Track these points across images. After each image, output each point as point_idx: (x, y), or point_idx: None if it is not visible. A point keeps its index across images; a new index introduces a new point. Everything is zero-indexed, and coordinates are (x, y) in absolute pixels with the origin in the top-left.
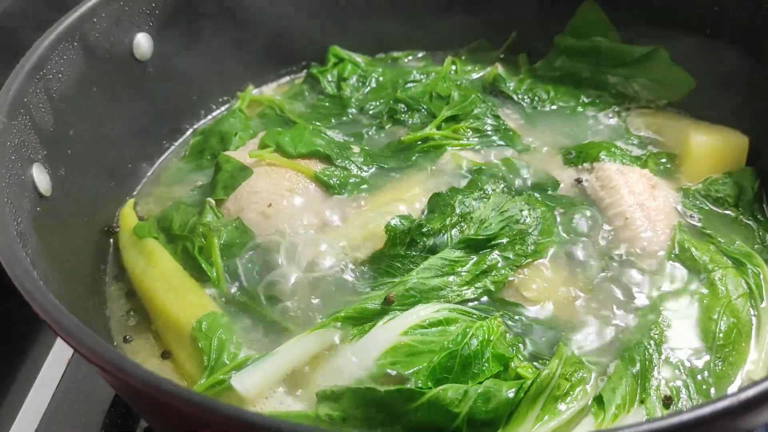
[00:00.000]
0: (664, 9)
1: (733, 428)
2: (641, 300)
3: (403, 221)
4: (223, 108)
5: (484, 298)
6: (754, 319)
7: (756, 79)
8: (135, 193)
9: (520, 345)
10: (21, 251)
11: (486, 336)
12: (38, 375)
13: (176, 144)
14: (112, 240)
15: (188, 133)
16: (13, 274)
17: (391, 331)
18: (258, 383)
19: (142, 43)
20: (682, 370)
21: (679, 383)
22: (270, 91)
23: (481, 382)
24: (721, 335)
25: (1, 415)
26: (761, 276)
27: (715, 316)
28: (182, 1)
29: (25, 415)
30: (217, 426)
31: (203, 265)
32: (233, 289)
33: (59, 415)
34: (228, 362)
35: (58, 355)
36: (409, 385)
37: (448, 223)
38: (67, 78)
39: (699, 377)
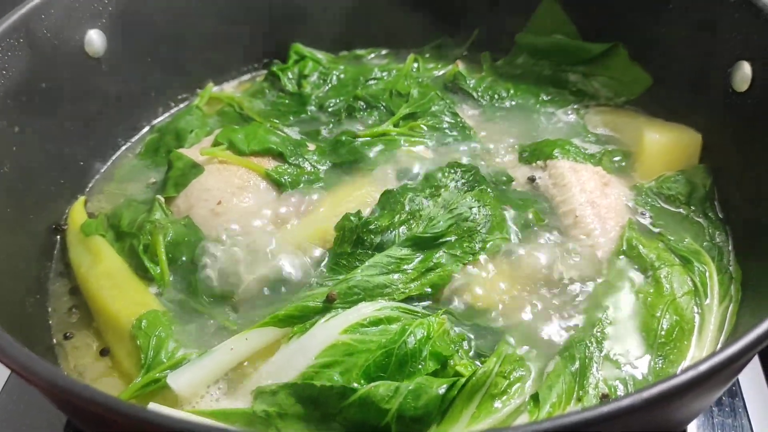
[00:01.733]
0: (621, 5)
1: (654, 422)
2: (586, 297)
3: (351, 219)
4: (182, 105)
5: (430, 297)
6: (697, 317)
7: (709, 77)
8: (87, 190)
9: (464, 343)
10: None
11: (425, 334)
12: None
13: (132, 141)
14: (59, 237)
15: (145, 130)
16: None
17: (331, 329)
18: (193, 381)
19: (95, 39)
20: (622, 368)
21: (617, 382)
22: (231, 88)
23: None
24: (663, 333)
25: None
26: (707, 273)
27: (658, 314)
28: None
29: None
30: (122, 426)
31: (147, 263)
32: (177, 287)
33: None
34: (165, 360)
35: None
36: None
37: (396, 220)
38: (12, 75)
39: (639, 375)
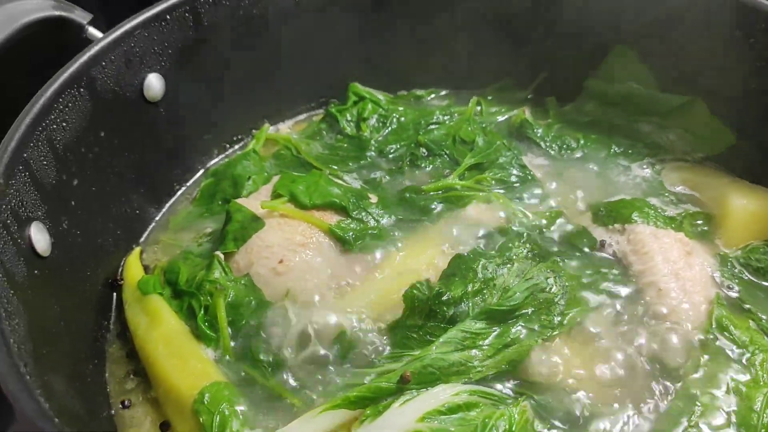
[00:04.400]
0: (704, 58)
1: None
2: (675, 383)
3: (421, 288)
4: (237, 147)
5: (507, 378)
6: None
7: None
8: (142, 240)
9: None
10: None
11: (508, 426)
12: None
13: (187, 185)
14: (115, 294)
15: (200, 173)
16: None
17: (406, 416)
18: None
19: (154, 83)
20: None
21: None
22: (287, 128)
23: None
24: (763, 431)
25: None
26: None
27: (757, 408)
28: (196, 39)
29: None
30: None
31: (208, 327)
32: (237, 354)
33: None
34: None
35: None
36: None
37: (469, 290)
38: (72, 126)
39: None
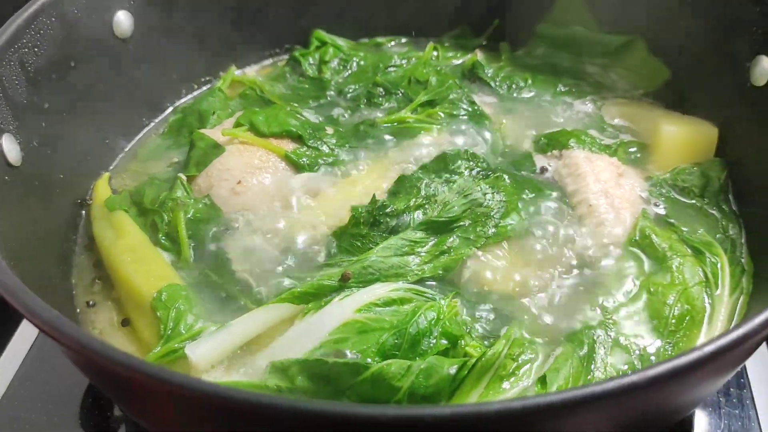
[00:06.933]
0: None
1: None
2: (597, 285)
3: (367, 202)
4: (205, 88)
5: (442, 279)
6: (708, 307)
7: (728, 71)
8: (111, 167)
9: (475, 325)
10: None
11: (436, 315)
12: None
13: (156, 121)
14: (84, 212)
15: (168, 110)
16: None
17: (345, 307)
18: (211, 353)
19: (123, 21)
20: (632, 354)
21: (626, 366)
22: (253, 72)
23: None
24: (673, 321)
25: None
26: (719, 265)
27: (670, 302)
28: None
29: None
30: (160, 392)
31: (167, 240)
32: (197, 264)
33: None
34: (184, 332)
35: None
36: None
37: (412, 204)
38: (44, 53)
39: (648, 361)
